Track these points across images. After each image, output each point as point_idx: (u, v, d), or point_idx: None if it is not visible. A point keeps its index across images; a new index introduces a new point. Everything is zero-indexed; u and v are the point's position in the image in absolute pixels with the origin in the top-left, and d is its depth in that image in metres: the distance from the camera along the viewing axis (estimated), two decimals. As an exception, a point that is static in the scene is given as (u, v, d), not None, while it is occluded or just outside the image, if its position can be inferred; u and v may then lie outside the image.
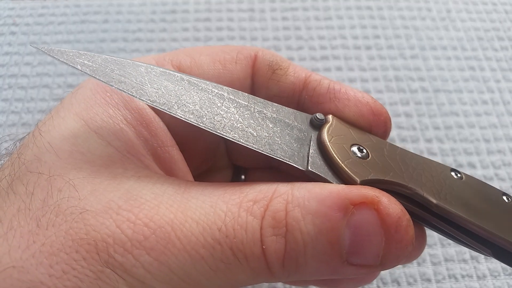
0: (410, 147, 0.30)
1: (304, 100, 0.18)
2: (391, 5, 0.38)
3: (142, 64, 0.15)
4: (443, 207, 0.16)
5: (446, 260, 0.26)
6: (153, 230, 0.13)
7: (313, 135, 0.16)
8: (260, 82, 0.19)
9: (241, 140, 0.15)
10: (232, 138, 0.15)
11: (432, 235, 0.27)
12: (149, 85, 0.15)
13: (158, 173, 0.16)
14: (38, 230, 0.13)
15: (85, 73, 0.14)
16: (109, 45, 0.35)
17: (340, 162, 0.15)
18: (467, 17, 0.38)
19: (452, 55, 0.35)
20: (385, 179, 0.15)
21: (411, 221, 0.14)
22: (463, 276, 0.26)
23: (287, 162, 0.15)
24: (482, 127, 0.32)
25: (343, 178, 0.15)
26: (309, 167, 0.15)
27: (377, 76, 0.34)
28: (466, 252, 0.26)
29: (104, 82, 0.14)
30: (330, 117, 0.17)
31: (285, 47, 0.35)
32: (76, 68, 0.14)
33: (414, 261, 0.26)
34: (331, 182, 0.15)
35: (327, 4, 0.38)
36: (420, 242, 0.17)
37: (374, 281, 0.25)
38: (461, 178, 0.18)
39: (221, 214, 0.14)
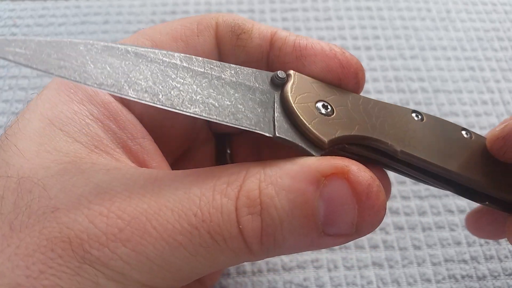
0: (410, 147, 0.30)
1: (272, 61, 0.18)
2: (390, 6, 0.38)
3: (81, 41, 0.14)
4: (407, 153, 0.16)
5: (446, 260, 0.26)
6: (127, 221, 0.13)
7: (276, 95, 0.16)
8: (226, 50, 0.18)
9: (203, 114, 0.14)
10: (194, 114, 0.14)
11: (431, 235, 0.27)
12: (92, 65, 0.13)
13: (129, 165, 0.16)
14: (11, 233, 0.13)
15: (19, 63, 0.12)
16: (109, 46, 0.35)
17: (307, 124, 0.15)
18: (467, 17, 0.38)
19: (452, 56, 0.35)
20: (351, 134, 0.15)
21: (381, 186, 0.14)
22: (463, 277, 0.26)
23: (253, 130, 0.14)
24: (482, 127, 0.32)
25: (311, 140, 0.15)
26: (276, 133, 0.14)
27: (377, 77, 0.34)
28: (466, 252, 0.26)
29: (43, 70, 0.13)
30: (291, 73, 0.16)
31: (285, 47, 0.35)
32: (8, 59, 0.12)
33: (414, 261, 0.26)
34: (300, 145, 0.15)
35: (326, 4, 0.38)
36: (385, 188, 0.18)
37: (374, 281, 0.25)
38: (422, 119, 0.18)
39: (196, 199, 0.13)
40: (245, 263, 0.25)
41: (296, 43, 0.17)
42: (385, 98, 0.33)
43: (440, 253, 0.26)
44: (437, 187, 0.19)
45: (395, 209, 0.28)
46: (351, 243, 0.26)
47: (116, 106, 0.16)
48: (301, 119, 0.15)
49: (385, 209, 0.14)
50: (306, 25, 0.37)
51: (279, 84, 0.16)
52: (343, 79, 0.17)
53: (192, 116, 0.20)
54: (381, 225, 0.27)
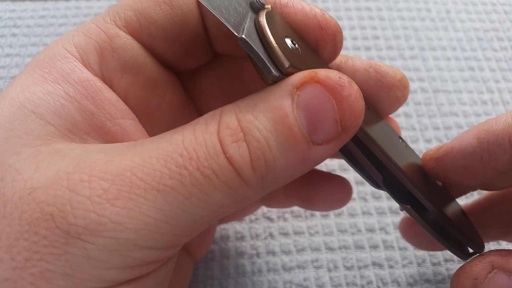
0: (409, 147, 0.30)
1: None
2: (390, 6, 0.38)
3: None
4: None
5: (446, 260, 0.26)
6: (111, 180, 0.12)
7: (251, 15, 0.16)
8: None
9: None
10: None
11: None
12: None
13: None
14: None
15: None
16: (109, 46, 0.35)
17: (274, 42, 0.14)
18: (467, 17, 0.38)
19: (452, 56, 0.36)
20: None
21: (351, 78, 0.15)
22: (463, 276, 0.26)
23: (223, 21, 0.14)
24: (482, 128, 0.32)
25: (274, 58, 0.14)
26: (243, 35, 0.14)
27: (377, 77, 0.34)
28: (466, 252, 0.26)
29: None
30: (270, 6, 0.16)
31: (284, 48, 0.35)
32: None
33: (414, 261, 0.26)
34: (261, 56, 0.14)
35: (326, 5, 0.38)
36: None
37: (374, 281, 0.25)
38: (368, 108, 0.18)
39: (178, 142, 0.13)
40: (246, 263, 0.26)
41: (277, 0, 0.17)
42: (385, 98, 0.33)
43: (440, 253, 0.26)
44: (366, 176, 0.18)
45: (394, 209, 0.28)
46: (351, 243, 0.26)
47: (95, 84, 0.16)
48: (269, 36, 0.15)
49: (362, 97, 0.14)
50: (306, 26, 0.37)
51: (256, 9, 0.16)
52: (320, 41, 0.17)
53: (177, 93, 0.18)
54: (381, 225, 0.27)
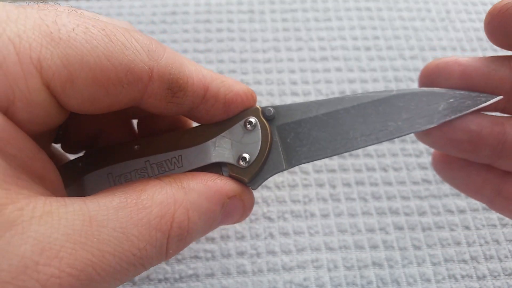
0: (409, 147, 0.30)
1: (199, 111, 0.19)
2: (390, 6, 0.38)
3: None
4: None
5: (446, 260, 0.26)
6: (77, 277, 0.14)
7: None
8: (157, 104, 0.17)
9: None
10: None
11: (431, 235, 0.27)
12: None
13: (39, 192, 0.14)
14: None
15: None
16: (109, 46, 0.35)
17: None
18: (467, 17, 0.38)
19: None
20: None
21: None
22: (463, 277, 0.26)
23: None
24: (482, 128, 0.32)
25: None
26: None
27: (377, 77, 0.34)
28: (466, 252, 0.26)
29: None
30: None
31: (284, 48, 0.35)
32: None
33: (414, 261, 0.26)
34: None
35: (326, 5, 0.38)
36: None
37: (374, 281, 0.25)
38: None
39: (134, 239, 0.15)
40: (246, 263, 0.26)
41: (226, 101, 0.19)
42: (385, 98, 0.33)
43: (440, 253, 0.26)
44: None
45: (395, 209, 0.28)
46: (351, 243, 0.26)
47: (1, 123, 0.14)
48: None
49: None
50: (306, 26, 0.37)
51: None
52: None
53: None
54: (381, 225, 0.27)
